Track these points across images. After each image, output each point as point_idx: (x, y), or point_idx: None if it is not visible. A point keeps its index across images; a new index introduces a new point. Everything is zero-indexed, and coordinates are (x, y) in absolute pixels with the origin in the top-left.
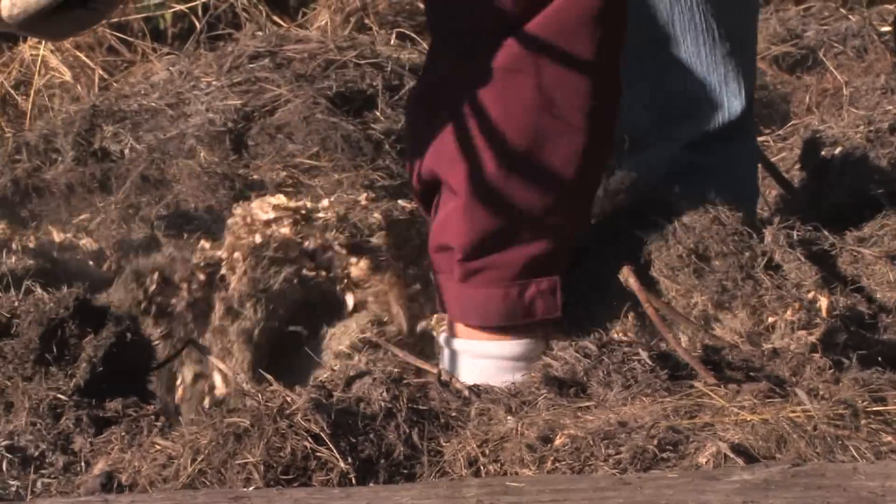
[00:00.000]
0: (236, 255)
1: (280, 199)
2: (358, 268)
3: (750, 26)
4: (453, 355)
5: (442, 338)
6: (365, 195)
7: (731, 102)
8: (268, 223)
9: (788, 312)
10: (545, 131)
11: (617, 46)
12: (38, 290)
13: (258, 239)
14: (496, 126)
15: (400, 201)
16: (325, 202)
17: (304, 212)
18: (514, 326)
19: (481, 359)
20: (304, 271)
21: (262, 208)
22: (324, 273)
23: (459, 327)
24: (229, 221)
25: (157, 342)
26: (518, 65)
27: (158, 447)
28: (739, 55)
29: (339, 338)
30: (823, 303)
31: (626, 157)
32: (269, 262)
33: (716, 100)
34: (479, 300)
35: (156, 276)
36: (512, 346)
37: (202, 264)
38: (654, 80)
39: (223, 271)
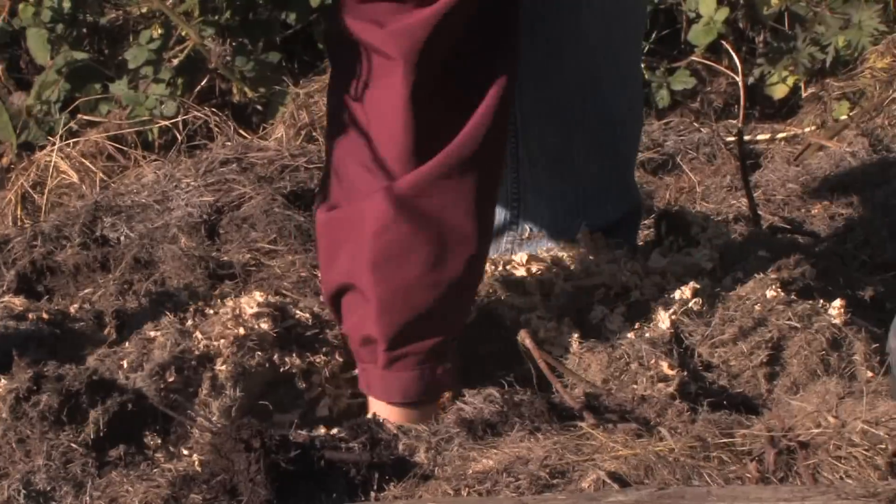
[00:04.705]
0: (223, 342)
1: (263, 296)
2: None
3: (615, 153)
4: None
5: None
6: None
7: (615, 206)
8: (252, 316)
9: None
10: (445, 246)
11: (497, 181)
12: (55, 363)
13: (242, 331)
14: (404, 241)
15: None
16: (301, 304)
17: (282, 309)
18: (425, 409)
19: None
20: (275, 358)
21: (249, 304)
22: (288, 360)
23: (383, 414)
24: (221, 311)
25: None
26: (420, 192)
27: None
28: (616, 173)
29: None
30: (664, 366)
31: (525, 245)
32: (248, 349)
33: (601, 205)
34: (401, 382)
35: (172, 369)
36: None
37: (197, 352)
38: (553, 189)
39: (211, 354)
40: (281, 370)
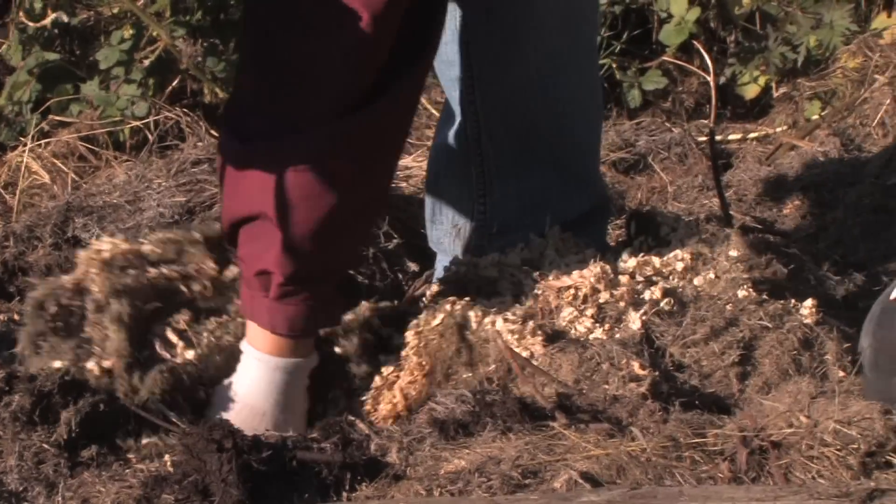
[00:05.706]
0: (93, 269)
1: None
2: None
3: (577, 142)
4: (251, 362)
5: (243, 345)
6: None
7: (580, 198)
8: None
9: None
10: (358, 196)
11: (401, 147)
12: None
13: (106, 254)
14: (323, 184)
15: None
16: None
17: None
18: (303, 342)
19: (274, 370)
20: (148, 274)
21: (100, 244)
22: (164, 272)
23: (260, 340)
24: (79, 255)
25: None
26: (344, 140)
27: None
28: (579, 163)
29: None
30: (636, 366)
31: (494, 240)
32: (118, 268)
33: (567, 197)
34: (288, 315)
35: (51, 300)
36: (297, 363)
37: (69, 286)
38: (519, 181)
39: (87, 283)
40: (157, 280)
